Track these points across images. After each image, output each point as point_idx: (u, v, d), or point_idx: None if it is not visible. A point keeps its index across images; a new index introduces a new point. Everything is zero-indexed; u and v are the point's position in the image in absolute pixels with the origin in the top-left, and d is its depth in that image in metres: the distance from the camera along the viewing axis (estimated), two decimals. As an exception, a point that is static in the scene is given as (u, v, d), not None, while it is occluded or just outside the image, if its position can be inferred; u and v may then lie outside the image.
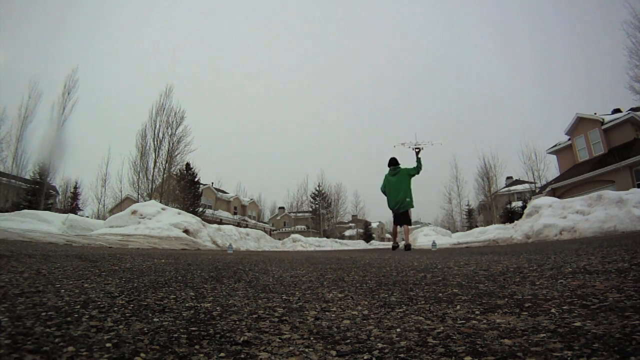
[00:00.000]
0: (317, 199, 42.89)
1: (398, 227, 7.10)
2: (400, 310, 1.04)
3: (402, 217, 6.99)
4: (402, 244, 6.75)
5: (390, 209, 7.12)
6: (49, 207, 20.18)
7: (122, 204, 24.44)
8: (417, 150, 7.24)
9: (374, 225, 51.13)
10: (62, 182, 27.08)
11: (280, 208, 51.41)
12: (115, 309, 1.00)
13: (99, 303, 1.06)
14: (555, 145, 21.70)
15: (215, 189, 36.96)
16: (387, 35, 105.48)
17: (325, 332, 0.82)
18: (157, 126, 22.24)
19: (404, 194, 6.96)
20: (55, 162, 20.00)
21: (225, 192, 39.61)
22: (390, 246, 7.59)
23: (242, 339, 0.76)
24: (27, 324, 0.78)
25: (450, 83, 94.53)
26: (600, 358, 0.58)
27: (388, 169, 7.21)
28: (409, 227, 7.11)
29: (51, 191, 22.86)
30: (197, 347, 0.70)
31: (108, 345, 0.68)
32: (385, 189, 7.18)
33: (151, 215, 10.17)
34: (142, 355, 0.64)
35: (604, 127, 18.08)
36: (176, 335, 0.77)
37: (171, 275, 1.88)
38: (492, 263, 2.29)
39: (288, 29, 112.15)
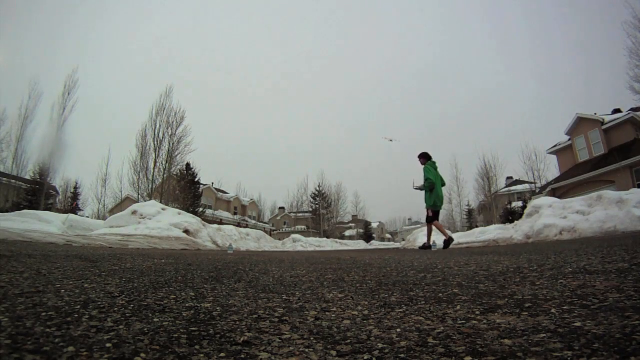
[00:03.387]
0: (317, 199, 42.91)
1: (430, 224, 6.70)
2: (400, 310, 1.04)
3: (438, 214, 6.74)
4: (442, 240, 6.42)
5: (434, 203, 6.57)
6: (49, 207, 20.18)
7: (122, 204, 24.44)
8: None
9: (374, 225, 51.19)
10: (62, 182, 27.13)
11: (280, 208, 51.42)
12: (115, 309, 1.00)
13: (99, 303, 1.06)
14: (555, 145, 21.71)
15: (215, 189, 36.94)
16: (388, 35, 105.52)
17: (325, 332, 0.82)
18: (157, 126, 22.30)
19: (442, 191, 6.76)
20: (55, 162, 20.04)
21: (225, 192, 39.60)
22: (422, 246, 6.82)
23: (242, 339, 0.76)
24: (27, 324, 0.78)
25: (450, 83, 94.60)
26: (600, 358, 0.58)
27: (427, 161, 6.69)
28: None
29: (51, 191, 22.87)
30: (197, 347, 0.70)
31: (108, 345, 0.68)
32: (435, 180, 6.55)
33: (151, 215, 10.17)
34: (142, 355, 0.64)
35: (604, 127, 18.09)
36: (176, 335, 0.77)
37: (171, 275, 1.87)
38: (492, 263, 2.29)
39: (288, 28, 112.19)
